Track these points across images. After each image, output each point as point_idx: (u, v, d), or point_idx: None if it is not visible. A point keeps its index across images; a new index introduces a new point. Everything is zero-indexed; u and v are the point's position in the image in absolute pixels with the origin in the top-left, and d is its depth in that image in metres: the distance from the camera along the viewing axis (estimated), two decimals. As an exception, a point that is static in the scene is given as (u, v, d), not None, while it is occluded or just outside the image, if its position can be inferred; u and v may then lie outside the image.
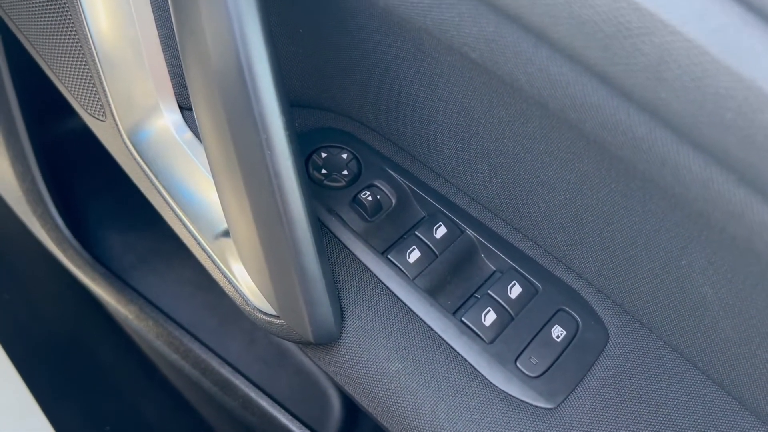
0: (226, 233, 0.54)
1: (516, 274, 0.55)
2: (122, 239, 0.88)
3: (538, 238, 0.56)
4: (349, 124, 0.63)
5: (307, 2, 0.52)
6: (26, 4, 0.58)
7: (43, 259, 0.87)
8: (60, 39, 0.57)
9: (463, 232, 0.57)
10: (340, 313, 0.51)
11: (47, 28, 0.57)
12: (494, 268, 0.56)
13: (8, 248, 0.94)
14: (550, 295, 0.55)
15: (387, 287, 0.53)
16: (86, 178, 0.90)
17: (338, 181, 0.58)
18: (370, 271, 0.53)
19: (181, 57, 0.46)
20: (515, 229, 0.58)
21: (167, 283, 0.89)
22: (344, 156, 0.60)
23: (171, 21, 0.51)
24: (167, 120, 0.56)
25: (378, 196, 0.57)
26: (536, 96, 0.36)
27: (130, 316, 0.79)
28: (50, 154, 0.82)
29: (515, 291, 0.54)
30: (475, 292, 0.55)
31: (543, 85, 0.35)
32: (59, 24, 0.55)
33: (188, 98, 0.56)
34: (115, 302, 0.80)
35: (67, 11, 0.53)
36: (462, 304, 0.54)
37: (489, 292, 0.54)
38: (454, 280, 0.55)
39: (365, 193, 0.57)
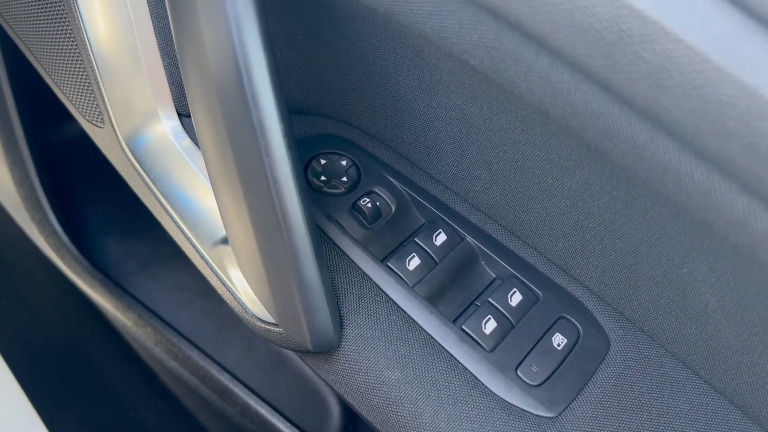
0: (224, 240, 0.54)
1: (516, 282, 0.55)
2: (121, 246, 0.88)
3: (539, 246, 0.56)
4: (348, 130, 0.62)
5: (307, 9, 0.52)
6: (24, 10, 0.58)
7: (42, 266, 0.87)
8: (58, 45, 0.56)
9: (463, 239, 0.56)
10: (339, 321, 0.51)
11: (45, 34, 0.57)
12: (494, 276, 0.56)
13: (7, 254, 0.94)
14: (551, 303, 0.54)
15: (387, 295, 0.53)
16: (85, 184, 0.90)
17: (337, 188, 0.58)
18: (370, 279, 0.53)
19: (179, 63, 0.45)
20: (515, 236, 0.57)
21: (166, 289, 0.89)
22: (343, 163, 0.59)
23: (169, 27, 0.51)
24: (165, 126, 0.56)
25: (377, 203, 0.57)
26: (537, 103, 0.36)
27: (129, 323, 0.79)
28: (49, 160, 0.82)
29: (516, 298, 0.54)
30: (476, 299, 0.54)
31: (544, 93, 0.35)
32: (57, 30, 0.55)
33: (187, 105, 0.55)
34: (114, 309, 0.79)
35: (65, 17, 0.53)
36: (462, 312, 0.53)
37: (489, 299, 0.53)
38: (454, 288, 0.55)
39: (365, 200, 0.57)
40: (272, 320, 0.51)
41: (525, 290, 0.54)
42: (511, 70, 0.35)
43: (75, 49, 0.54)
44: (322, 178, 0.58)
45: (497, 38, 0.34)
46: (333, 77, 0.57)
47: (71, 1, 0.51)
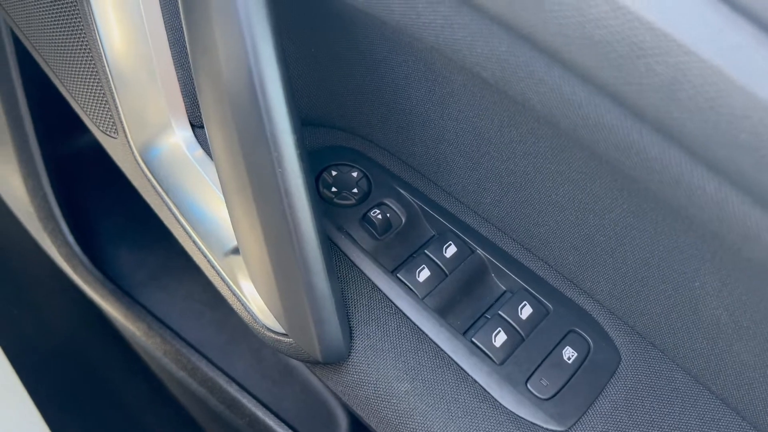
0: (235, 251, 0.54)
1: (527, 295, 0.55)
2: (132, 256, 0.88)
3: (549, 259, 0.56)
4: (359, 142, 0.63)
5: (320, 22, 0.52)
6: (41, 22, 0.59)
7: (53, 275, 0.87)
8: (74, 57, 0.57)
9: (473, 251, 0.56)
10: (348, 332, 0.51)
11: (62, 46, 0.58)
12: (505, 289, 0.56)
13: (18, 264, 0.95)
14: (561, 316, 0.54)
15: (396, 306, 0.53)
16: (97, 194, 0.90)
17: (348, 199, 0.58)
18: (380, 290, 0.53)
19: (193, 75, 0.46)
20: (526, 249, 0.57)
21: (176, 300, 0.89)
22: (354, 174, 0.60)
23: (184, 40, 0.51)
24: (179, 137, 0.56)
25: (388, 215, 0.57)
26: (548, 116, 0.36)
27: (138, 333, 0.79)
28: (62, 171, 0.83)
29: (526, 312, 0.54)
30: (486, 312, 0.54)
31: (555, 105, 0.35)
32: (73, 42, 0.56)
33: (200, 116, 0.56)
34: (124, 319, 0.79)
35: (81, 30, 0.54)
36: (472, 325, 0.53)
37: (499, 312, 0.53)
38: (464, 300, 0.55)
39: (375, 212, 0.57)
40: (282, 330, 0.51)
41: (535, 303, 0.54)
42: (523, 82, 0.35)
43: (90, 60, 0.55)
44: (333, 189, 0.58)
45: (509, 50, 0.34)
46: (345, 90, 0.58)
47: (87, 14, 0.52)
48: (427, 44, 0.40)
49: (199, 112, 0.55)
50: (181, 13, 0.44)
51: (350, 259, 0.55)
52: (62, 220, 0.81)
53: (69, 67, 0.59)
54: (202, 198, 0.56)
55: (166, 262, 0.89)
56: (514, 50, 0.34)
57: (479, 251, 0.56)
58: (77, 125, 0.75)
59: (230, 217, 0.50)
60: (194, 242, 0.56)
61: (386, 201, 0.58)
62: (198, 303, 0.91)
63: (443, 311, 0.53)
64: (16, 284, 0.95)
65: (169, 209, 0.57)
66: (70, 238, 0.81)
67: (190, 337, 0.84)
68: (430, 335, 0.51)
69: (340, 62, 0.55)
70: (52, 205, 0.81)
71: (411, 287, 0.53)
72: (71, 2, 0.53)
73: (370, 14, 0.40)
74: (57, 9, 0.55)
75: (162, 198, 0.57)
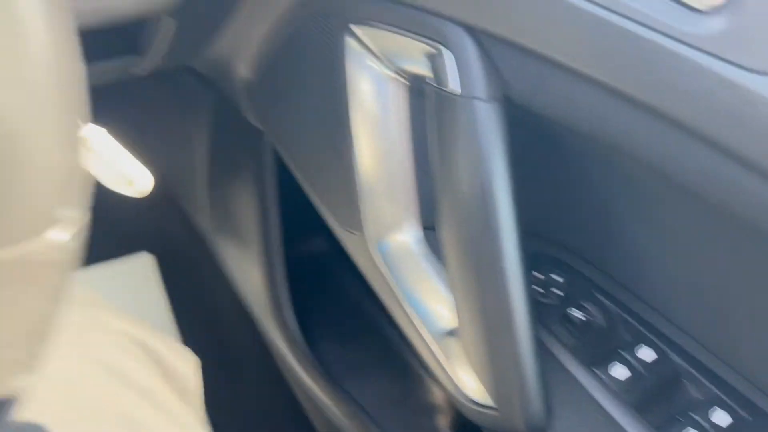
0: (450, 333, 0.63)
1: (721, 403, 0.57)
2: (337, 348, 1.00)
3: (744, 370, 0.58)
4: (560, 249, 0.70)
5: (534, 143, 0.62)
6: (307, 147, 0.75)
7: (270, 358, 1.01)
8: (331, 171, 0.72)
9: (666, 356, 0.60)
10: (549, 410, 0.56)
11: (322, 163, 0.73)
12: (698, 396, 0.59)
13: (241, 351, 1.11)
14: (756, 428, 0.56)
15: (592, 397, 0.58)
16: (317, 291, 1.05)
17: (550, 299, 0.65)
18: (577, 381, 0.59)
19: (434, 183, 0.58)
20: (721, 359, 0.60)
21: (369, 395, 0.98)
22: (556, 277, 0.67)
23: (422, 154, 0.64)
24: (408, 236, 0.68)
25: (585, 316, 0.63)
26: (748, 220, 0.42)
27: (341, 414, 0.88)
28: (293, 267, 0.99)
29: (717, 418, 0.56)
30: (678, 414, 0.57)
31: (755, 211, 0.41)
32: (333, 160, 0.71)
33: (426, 218, 0.67)
34: (329, 400, 0.90)
35: (342, 152, 0.68)
36: (664, 423, 0.57)
37: (692, 414, 0.56)
38: (655, 401, 0.58)
39: (574, 311, 0.64)
40: (487, 404, 0.58)
41: (731, 411, 0.56)
42: (725, 192, 0.42)
43: (345, 175, 0.69)
44: (538, 289, 0.66)
45: (714, 165, 0.41)
46: (549, 202, 0.67)
47: (348, 141, 0.66)
48: (639, 161, 0.48)
49: (427, 215, 0.67)
50: (430, 137, 0.57)
51: (551, 352, 0.61)
52: (290, 311, 0.95)
53: (325, 179, 0.74)
54: (424, 289, 0.66)
55: (365, 357, 1.00)
56: (719, 164, 0.41)
57: (672, 357, 0.60)
58: (309, 230, 0.91)
59: (456, 302, 0.59)
60: (414, 326, 0.66)
61: (585, 303, 0.65)
62: (385, 402, 0.99)
63: (636, 408, 0.57)
64: (239, 365, 1.10)
65: (395, 296, 0.68)
66: (294, 327, 0.95)
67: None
68: (625, 426, 0.56)
69: (545, 176, 0.65)
70: (283, 299, 0.96)
71: (606, 382, 0.59)
72: (338, 132, 0.68)
73: (590, 137, 0.49)
74: (325, 137, 0.71)
75: (390, 286, 0.68)
